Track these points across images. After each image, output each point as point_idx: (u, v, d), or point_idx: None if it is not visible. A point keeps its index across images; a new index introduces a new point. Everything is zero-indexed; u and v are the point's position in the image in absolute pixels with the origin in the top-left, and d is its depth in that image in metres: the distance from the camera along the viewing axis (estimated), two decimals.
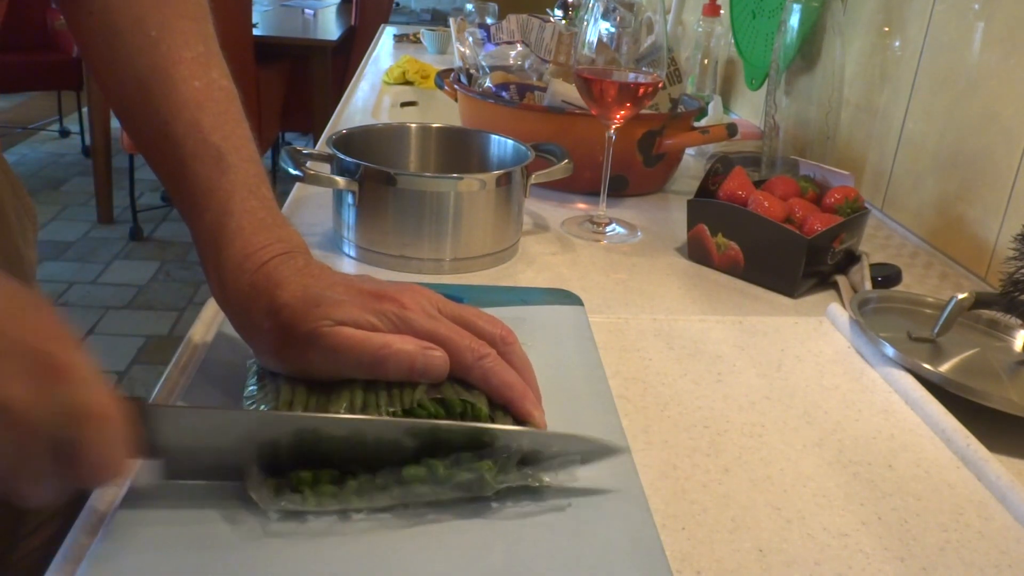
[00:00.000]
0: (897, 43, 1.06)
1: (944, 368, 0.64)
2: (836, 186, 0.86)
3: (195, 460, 0.43)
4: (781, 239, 0.79)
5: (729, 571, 0.45)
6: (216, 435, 0.43)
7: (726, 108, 1.61)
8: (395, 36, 2.50)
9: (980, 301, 0.68)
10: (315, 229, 0.86)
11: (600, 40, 0.87)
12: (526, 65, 1.18)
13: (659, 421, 0.58)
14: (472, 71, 1.23)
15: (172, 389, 0.56)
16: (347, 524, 0.43)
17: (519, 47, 1.20)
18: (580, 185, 1.01)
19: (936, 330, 0.68)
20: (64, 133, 4.78)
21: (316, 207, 0.92)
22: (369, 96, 1.67)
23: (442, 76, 1.25)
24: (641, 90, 0.87)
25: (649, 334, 0.70)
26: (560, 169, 0.85)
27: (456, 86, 1.18)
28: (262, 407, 0.47)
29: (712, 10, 1.52)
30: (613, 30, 0.87)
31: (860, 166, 1.12)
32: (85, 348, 0.38)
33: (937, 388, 0.61)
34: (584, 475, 0.47)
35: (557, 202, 1.02)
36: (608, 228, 0.93)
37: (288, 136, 4.39)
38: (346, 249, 0.81)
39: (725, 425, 0.58)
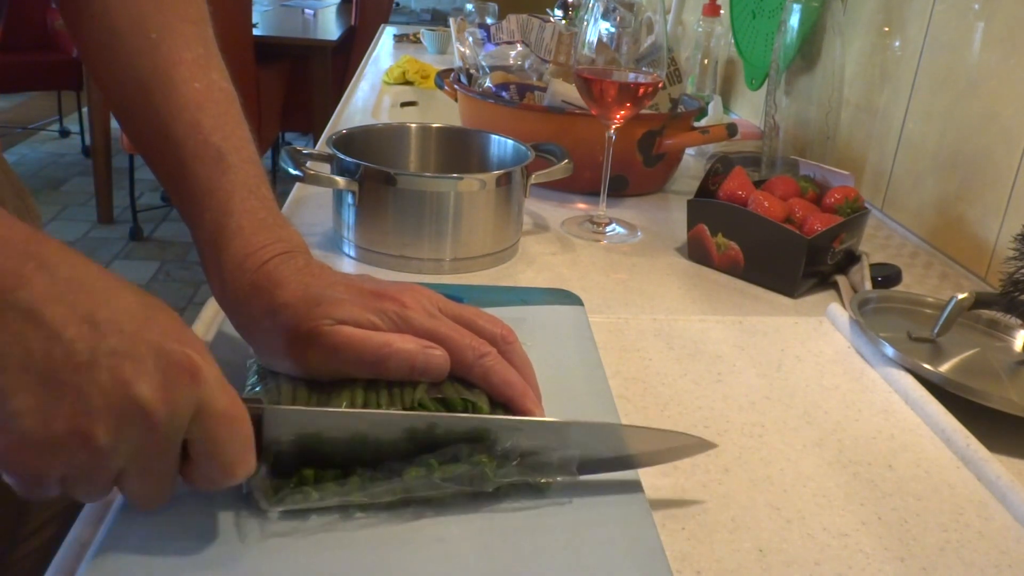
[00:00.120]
0: (897, 43, 1.06)
1: (944, 368, 0.64)
2: (836, 186, 0.86)
3: None
4: (781, 239, 0.79)
5: (729, 571, 0.45)
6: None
7: (726, 108, 1.61)
8: (395, 36, 2.50)
9: (980, 301, 0.68)
10: (315, 229, 0.86)
11: (600, 40, 0.87)
12: (526, 65, 1.18)
13: (659, 421, 0.58)
14: (472, 71, 1.23)
15: None
16: (348, 523, 0.43)
17: (519, 47, 1.20)
18: (580, 185, 1.01)
19: (936, 330, 0.68)
20: (64, 133, 4.78)
21: (316, 207, 0.92)
22: (369, 96, 1.67)
23: (442, 76, 1.25)
24: (641, 90, 0.87)
25: (649, 334, 0.70)
26: (560, 169, 0.85)
27: (456, 86, 1.18)
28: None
29: (712, 10, 1.52)
30: (613, 30, 0.87)
31: (860, 166, 1.12)
32: (207, 350, 0.39)
33: (937, 388, 0.61)
34: (584, 474, 0.47)
35: (557, 202, 1.02)
36: (608, 228, 0.93)
37: (288, 136, 4.39)
38: (346, 249, 0.81)
39: (725, 425, 0.58)
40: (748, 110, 1.54)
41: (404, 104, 1.58)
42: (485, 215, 0.79)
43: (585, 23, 0.87)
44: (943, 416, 0.59)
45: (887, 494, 0.52)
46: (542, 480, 0.46)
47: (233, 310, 0.51)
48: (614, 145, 0.90)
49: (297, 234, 0.53)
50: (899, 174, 1.04)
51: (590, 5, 0.86)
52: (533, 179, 0.84)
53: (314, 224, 0.87)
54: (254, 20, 3.26)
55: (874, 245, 0.95)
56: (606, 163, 0.90)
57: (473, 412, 0.47)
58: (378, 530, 0.42)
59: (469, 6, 1.96)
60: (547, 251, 0.87)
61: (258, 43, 3.13)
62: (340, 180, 0.76)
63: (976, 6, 0.92)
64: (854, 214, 0.82)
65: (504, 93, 1.13)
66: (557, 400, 0.51)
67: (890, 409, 0.62)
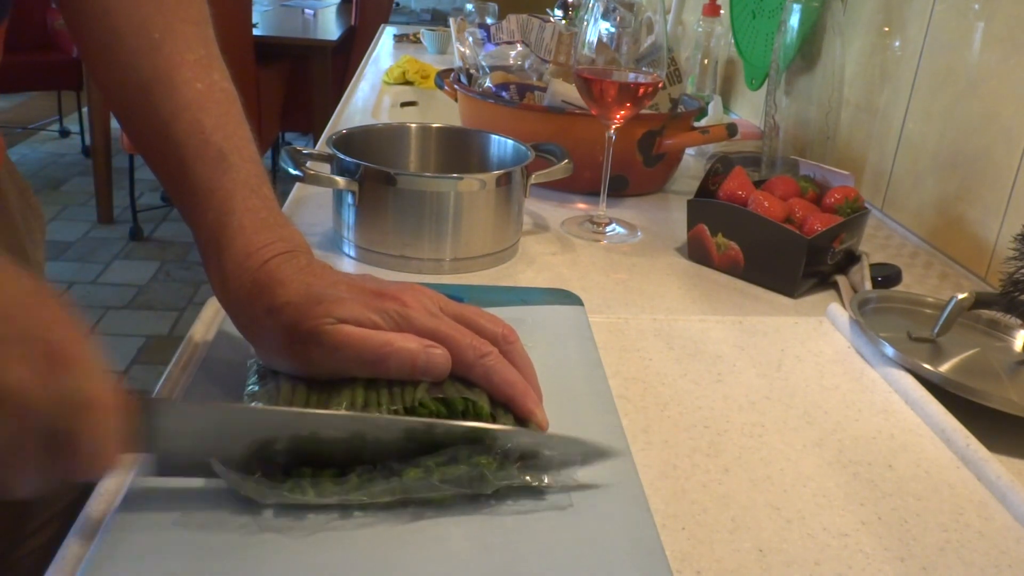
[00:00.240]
0: (897, 43, 1.06)
1: (944, 368, 0.64)
2: (836, 186, 0.86)
3: (193, 457, 0.43)
4: (781, 239, 0.79)
5: (729, 571, 0.45)
6: (215, 430, 0.43)
7: (726, 108, 1.61)
8: (395, 36, 2.50)
9: (980, 301, 0.69)
10: (315, 229, 0.86)
11: (600, 40, 0.87)
12: (526, 65, 1.18)
13: (659, 421, 0.58)
14: (472, 71, 1.23)
15: (173, 387, 0.56)
16: (346, 523, 0.43)
17: (519, 47, 1.20)
18: (580, 185, 1.01)
19: (936, 330, 0.68)
20: (64, 133, 4.78)
21: (316, 207, 0.92)
22: (369, 96, 1.67)
23: (442, 76, 1.25)
24: (641, 90, 0.87)
25: (649, 334, 0.70)
26: (560, 169, 0.85)
27: (456, 86, 1.18)
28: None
29: (712, 10, 1.52)
30: (613, 30, 0.87)
31: (860, 166, 1.12)
32: (91, 340, 0.38)
33: (937, 388, 0.61)
34: (584, 475, 0.47)
35: (557, 202, 1.02)
36: (608, 228, 0.93)
37: (288, 136, 4.39)
38: (346, 249, 0.81)
39: (725, 425, 0.58)
40: (748, 110, 1.54)
41: (404, 104, 1.58)
42: (485, 215, 0.79)
43: (585, 23, 0.87)
44: (943, 416, 0.59)
45: (887, 494, 0.52)
46: (542, 481, 0.46)
47: (234, 309, 0.51)
48: (614, 145, 0.90)
49: (298, 233, 0.53)
50: (899, 174, 1.04)
51: (590, 5, 0.87)
52: (533, 179, 0.84)
53: (314, 224, 0.88)
54: (254, 20, 3.27)
55: (874, 245, 0.95)
56: (606, 163, 0.91)
57: (474, 412, 0.47)
58: (377, 530, 0.42)
59: (469, 6, 1.96)
60: (547, 251, 0.87)
61: (258, 43, 3.13)
62: (340, 180, 0.77)
63: (976, 6, 0.92)
64: (854, 214, 0.82)
65: (504, 93, 1.13)
66: (557, 400, 0.51)
67: (890, 409, 0.62)
